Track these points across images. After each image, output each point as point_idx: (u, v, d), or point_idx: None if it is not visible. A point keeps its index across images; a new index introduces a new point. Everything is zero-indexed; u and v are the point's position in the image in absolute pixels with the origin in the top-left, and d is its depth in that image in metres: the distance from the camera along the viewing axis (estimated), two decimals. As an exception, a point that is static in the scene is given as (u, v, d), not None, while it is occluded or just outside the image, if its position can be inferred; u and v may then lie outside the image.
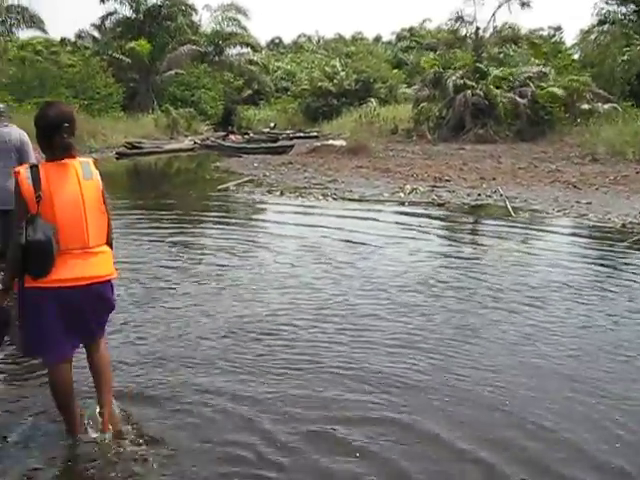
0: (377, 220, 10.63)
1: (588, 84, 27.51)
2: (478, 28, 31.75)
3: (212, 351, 4.70)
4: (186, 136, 32.68)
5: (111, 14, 40.45)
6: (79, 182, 3.18)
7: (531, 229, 9.99)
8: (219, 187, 15.10)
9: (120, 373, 4.16)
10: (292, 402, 3.87)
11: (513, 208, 11.39)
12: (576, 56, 37.57)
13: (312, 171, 17.97)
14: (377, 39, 66.96)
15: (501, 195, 12.96)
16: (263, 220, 11.59)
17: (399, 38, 63.54)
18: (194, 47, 40.56)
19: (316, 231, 9.51)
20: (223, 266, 7.34)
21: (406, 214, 11.34)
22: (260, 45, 53.27)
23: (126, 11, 39.98)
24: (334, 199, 12.96)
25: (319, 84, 43.91)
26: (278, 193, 13.91)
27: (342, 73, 44.76)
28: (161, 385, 4.09)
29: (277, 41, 69.18)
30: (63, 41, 41.12)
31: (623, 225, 9.97)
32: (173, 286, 6.46)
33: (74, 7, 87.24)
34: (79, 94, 31.03)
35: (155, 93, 38.49)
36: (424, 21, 62.52)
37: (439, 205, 12.22)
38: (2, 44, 34.61)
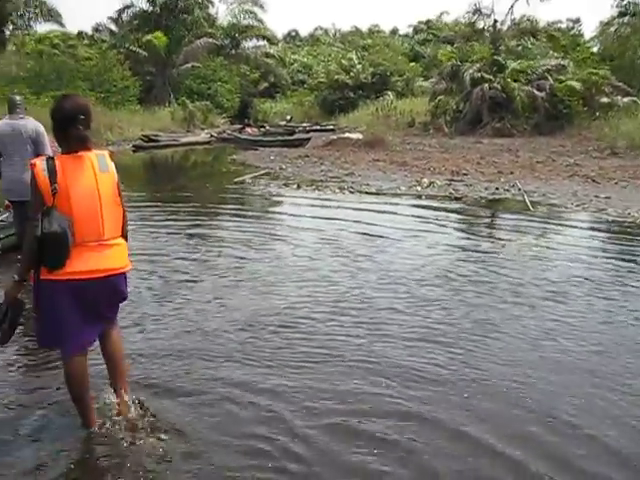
0: (394, 213, 10.58)
1: (607, 77, 27.19)
2: (496, 21, 31.47)
3: (230, 344, 4.70)
4: (202, 129, 32.73)
5: (128, 7, 40.66)
6: (95, 174, 3.19)
7: (550, 223, 9.92)
8: (235, 180, 15.12)
9: (138, 366, 4.18)
10: (311, 395, 3.87)
11: (531, 202, 11.30)
12: (595, 49, 37.20)
13: (329, 164, 17.92)
14: (394, 32, 66.73)
15: (519, 189, 12.85)
16: (280, 213, 11.57)
17: (416, 31, 63.35)
18: (210, 40, 40.61)
19: (333, 224, 9.49)
20: (241, 259, 7.35)
21: (423, 207, 11.28)
22: (276, 38, 53.32)
23: (143, 4, 40.18)
24: (351, 192, 12.92)
25: (336, 77, 43.73)
26: (295, 186, 13.89)
27: (359, 66, 44.53)
28: (180, 378, 4.10)
29: (293, 34, 69.28)
30: (80, 34, 41.31)
31: (643, 220, 9.85)
32: (191, 279, 6.48)
33: (92, 0, 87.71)
34: (96, 87, 31.15)
35: (172, 86, 38.57)
36: (441, 14, 62.51)
37: (456, 199, 12.16)
38: (20, 38, 34.95)
